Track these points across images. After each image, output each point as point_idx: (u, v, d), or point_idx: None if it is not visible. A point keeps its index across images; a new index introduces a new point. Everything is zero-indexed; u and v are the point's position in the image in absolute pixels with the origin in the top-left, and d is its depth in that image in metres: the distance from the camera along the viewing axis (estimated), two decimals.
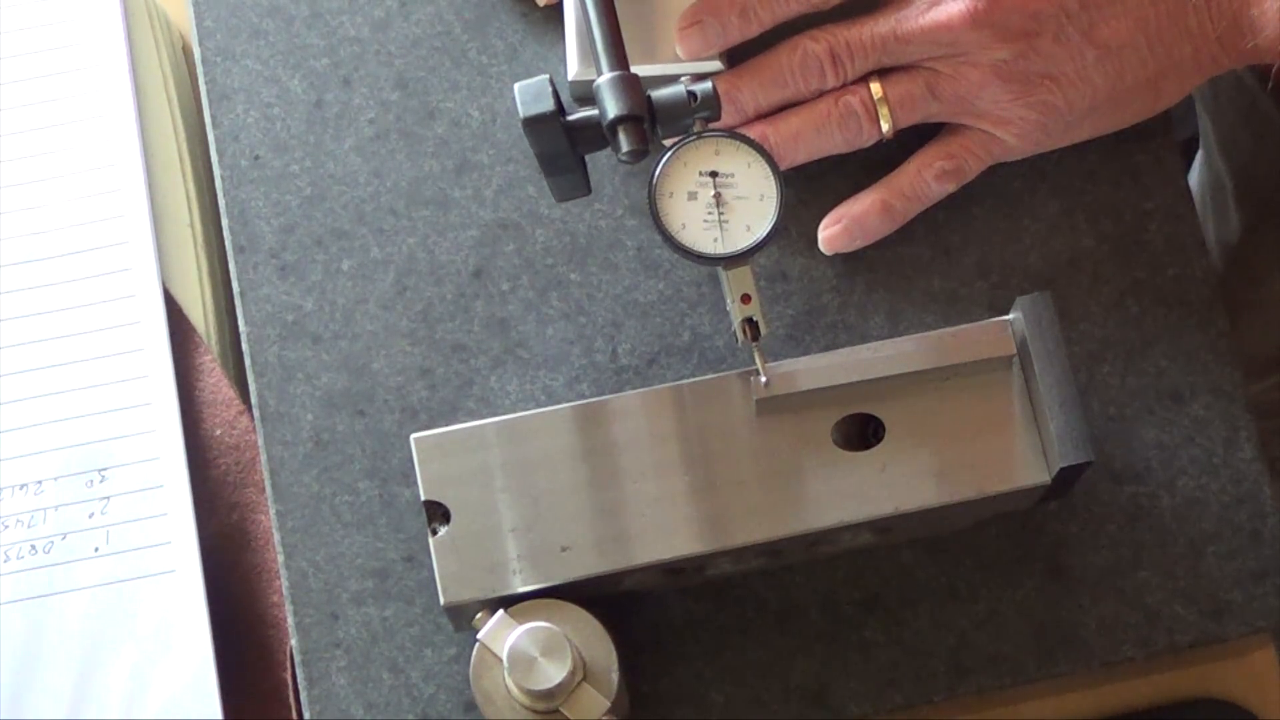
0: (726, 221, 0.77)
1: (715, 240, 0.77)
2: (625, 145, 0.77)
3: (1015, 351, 0.80)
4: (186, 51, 0.96)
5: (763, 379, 0.78)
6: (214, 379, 0.90)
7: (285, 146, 0.90)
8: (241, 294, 0.88)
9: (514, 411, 0.82)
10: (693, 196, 0.78)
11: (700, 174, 0.78)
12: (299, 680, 0.84)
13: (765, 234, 0.77)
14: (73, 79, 0.94)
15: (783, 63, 0.85)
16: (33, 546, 0.88)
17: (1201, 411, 0.86)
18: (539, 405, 0.86)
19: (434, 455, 0.79)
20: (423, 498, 0.79)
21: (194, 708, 0.85)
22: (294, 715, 0.85)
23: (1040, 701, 0.85)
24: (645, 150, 0.77)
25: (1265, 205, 1.19)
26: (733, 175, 0.78)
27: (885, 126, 0.85)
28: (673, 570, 0.80)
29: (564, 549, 0.78)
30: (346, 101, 0.90)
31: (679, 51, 0.86)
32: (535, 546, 0.78)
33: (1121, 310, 0.87)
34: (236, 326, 0.88)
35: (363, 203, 0.89)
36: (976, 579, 0.85)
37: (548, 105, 0.77)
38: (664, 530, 0.78)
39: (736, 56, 0.86)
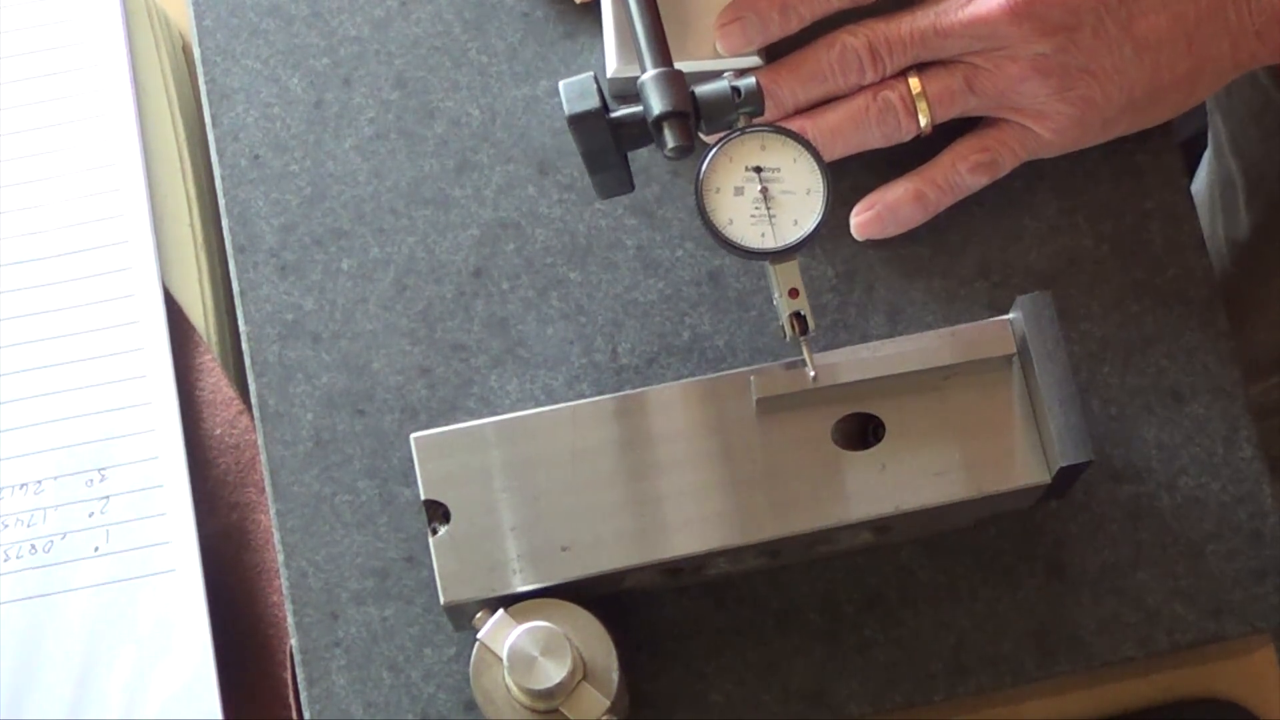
0: (774, 216, 0.77)
1: (763, 235, 0.77)
2: (671, 142, 0.77)
3: (1015, 351, 0.80)
4: (186, 51, 0.96)
5: (810, 373, 0.78)
6: (214, 379, 0.90)
7: (285, 146, 0.90)
8: (241, 294, 0.88)
9: (514, 411, 0.82)
10: (739, 192, 0.78)
11: (746, 169, 0.78)
12: (299, 680, 0.84)
13: (813, 228, 0.77)
14: (73, 79, 0.94)
15: (822, 58, 0.85)
16: (32, 546, 0.88)
17: (1201, 411, 0.86)
18: (539, 405, 0.86)
19: (434, 455, 0.79)
20: (423, 497, 0.79)
21: (194, 708, 0.85)
22: (294, 715, 0.85)
23: (1040, 701, 0.85)
24: (691, 147, 0.77)
25: (1276, 203, 1.19)
26: (779, 170, 0.78)
27: (923, 121, 0.85)
28: (673, 570, 0.80)
29: (564, 549, 0.78)
30: (346, 101, 0.90)
31: (719, 48, 0.86)
32: (535, 546, 0.78)
33: (1121, 310, 0.87)
34: (236, 326, 0.88)
35: (363, 202, 0.89)
36: (976, 579, 0.85)
37: (593, 103, 0.77)
38: (664, 530, 0.78)
39: (774, 52, 0.86)
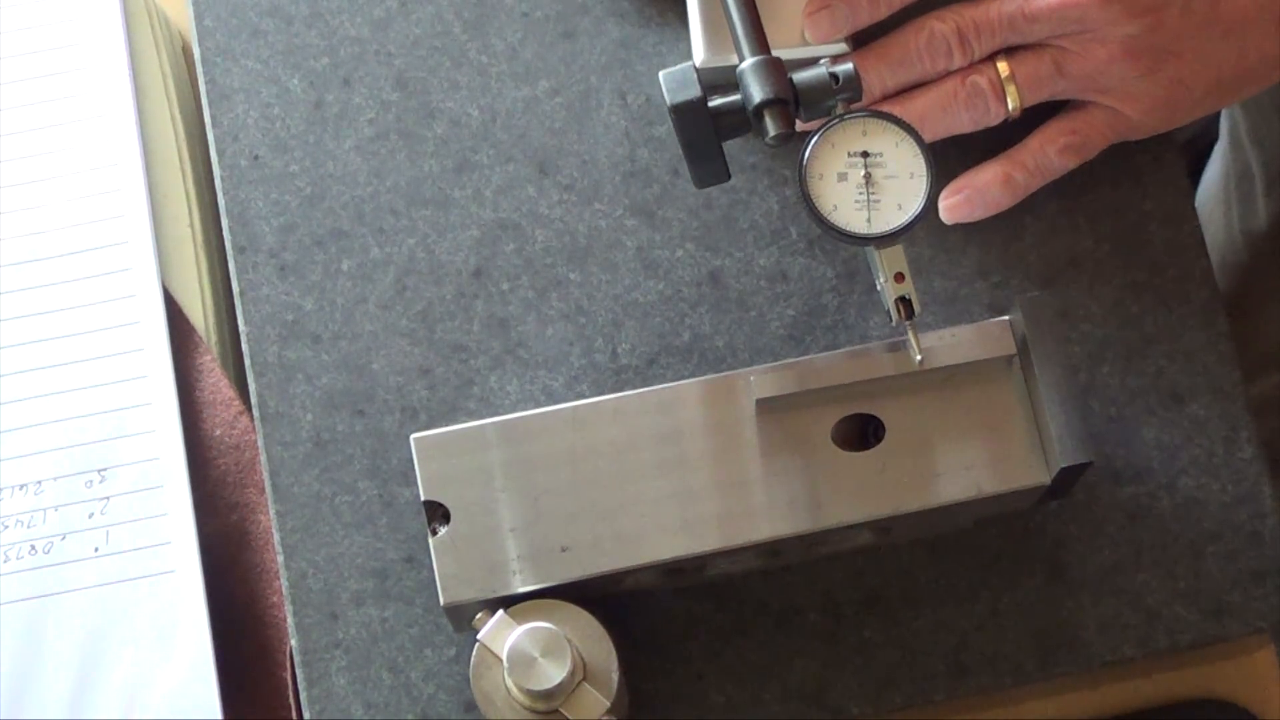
0: (877, 201, 0.77)
1: (867, 220, 0.77)
2: (772, 130, 0.77)
3: (1015, 351, 0.80)
4: (186, 51, 0.96)
5: (917, 358, 0.78)
6: (214, 379, 0.90)
7: (285, 146, 0.90)
8: (241, 294, 0.88)
9: (514, 411, 0.82)
10: (843, 178, 0.77)
11: (849, 155, 0.78)
12: (299, 680, 0.84)
13: (918, 212, 0.77)
14: (73, 79, 0.94)
15: (910, 43, 0.85)
16: (33, 546, 0.88)
17: (1201, 411, 0.86)
18: (539, 405, 0.86)
19: (434, 455, 0.79)
20: (423, 498, 0.79)
21: (194, 708, 0.85)
22: (294, 715, 0.85)
23: (1040, 701, 0.85)
24: (792, 134, 0.77)
25: None
26: (881, 155, 0.77)
27: (1012, 105, 0.85)
28: (673, 570, 0.80)
29: (564, 549, 0.78)
30: (346, 101, 0.90)
31: (807, 36, 0.85)
32: (535, 546, 0.78)
33: (1121, 310, 0.87)
34: (236, 326, 0.88)
35: (363, 203, 0.89)
36: (976, 579, 0.85)
37: (695, 92, 0.77)
38: (664, 530, 0.78)
39: (860, 38, 0.86)
